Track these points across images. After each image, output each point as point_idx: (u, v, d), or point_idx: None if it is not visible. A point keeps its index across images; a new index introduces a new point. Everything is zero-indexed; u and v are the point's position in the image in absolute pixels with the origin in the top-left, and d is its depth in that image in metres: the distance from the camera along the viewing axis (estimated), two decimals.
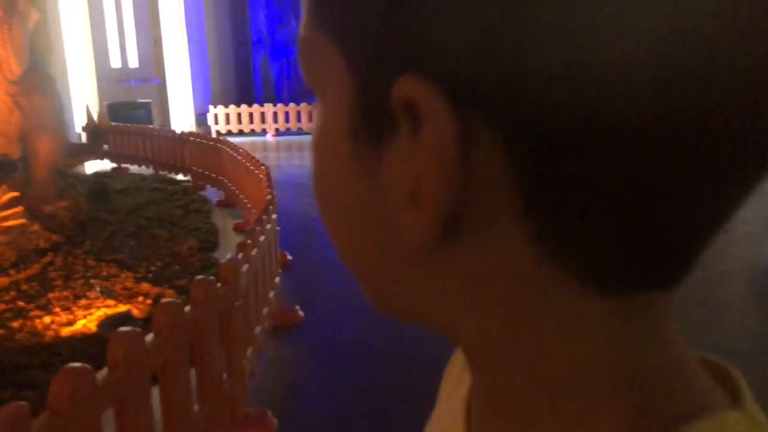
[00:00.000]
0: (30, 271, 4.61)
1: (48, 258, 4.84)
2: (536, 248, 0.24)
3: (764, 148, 0.22)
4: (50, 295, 4.17)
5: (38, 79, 5.55)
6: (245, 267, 2.74)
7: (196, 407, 2.30)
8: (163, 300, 2.28)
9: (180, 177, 8.08)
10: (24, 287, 4.33)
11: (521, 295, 0.25)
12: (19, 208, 4.71)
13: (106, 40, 11.48)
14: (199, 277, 2.40)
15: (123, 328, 1.95)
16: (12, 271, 4.56)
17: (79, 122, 9.34)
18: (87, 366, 1.70)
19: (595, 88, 0.20)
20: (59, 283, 4.41)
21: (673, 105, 0.20)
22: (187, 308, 2.22)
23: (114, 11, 11.67)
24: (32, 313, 3.88)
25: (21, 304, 4.03)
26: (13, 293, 4.21)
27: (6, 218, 4.61)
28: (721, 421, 0.24)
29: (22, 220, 4.74)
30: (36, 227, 5.10)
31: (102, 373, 1.81)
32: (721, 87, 0.21)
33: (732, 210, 0.24)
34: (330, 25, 0.25)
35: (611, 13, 0.20)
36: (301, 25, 0.27)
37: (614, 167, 0.22)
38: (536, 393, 0.27)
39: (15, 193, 4.74)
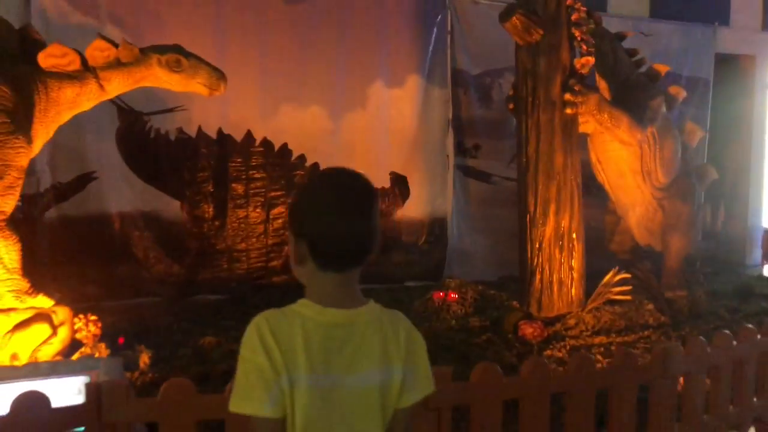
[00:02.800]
0: (626, 338, 5.72)
1: (646, 333, 5.85)
2: (315, 264, 1.50)
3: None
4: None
5: (682, 187, 6.64)
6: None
7: None
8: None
9: None
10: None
11: (312, 276, 1.53)
12: (628, 287, 5.93)
13: None
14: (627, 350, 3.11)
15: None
16: (613, 335, 5.77)
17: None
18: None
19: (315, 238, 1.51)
20: None
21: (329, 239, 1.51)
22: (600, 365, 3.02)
23: None
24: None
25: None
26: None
27: (615, 293, 5.91)
28: (306, 301, 1.54)
29: (628, 297, 5.93)
30: (649, 306, 6.18)
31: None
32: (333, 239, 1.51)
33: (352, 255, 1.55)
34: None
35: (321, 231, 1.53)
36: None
37: (320, 250, 1.50)
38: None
39: (626, 275, 5.98)
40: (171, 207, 7.23)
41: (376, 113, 8.14)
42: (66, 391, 3.30)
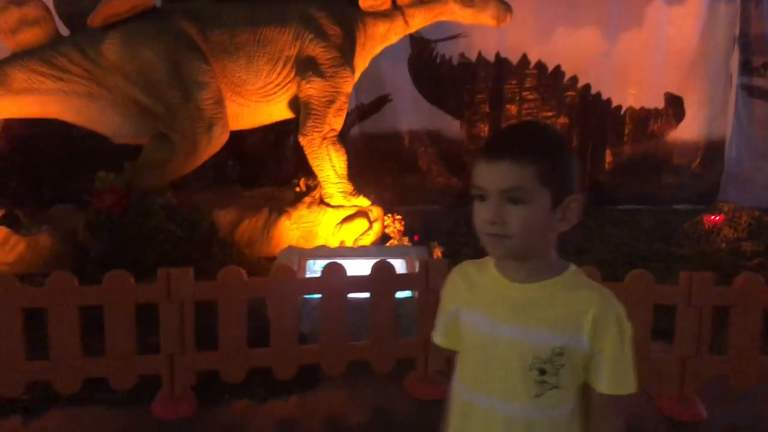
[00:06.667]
0: None
1: None
2: (555, 216, 1.54)
3: None
4: None
5: None
6: None
7: None
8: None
9: None
10: None
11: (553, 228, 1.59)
12: None
13: None
14: None
15: None
16: None
17: None
18: None
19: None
20: None
21: None
22: None
23: None
24: None
25: None
26: None
27: None
28: (574, 267, 1.64)
29: None
30: None
31: None
32: None
33: None
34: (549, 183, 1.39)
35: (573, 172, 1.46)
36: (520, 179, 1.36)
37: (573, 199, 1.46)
38: (536, 252, 1.57)
39: None
40: (452, 126, 8.07)
41: (653, 32, 8.01)
42: None
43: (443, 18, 5.59)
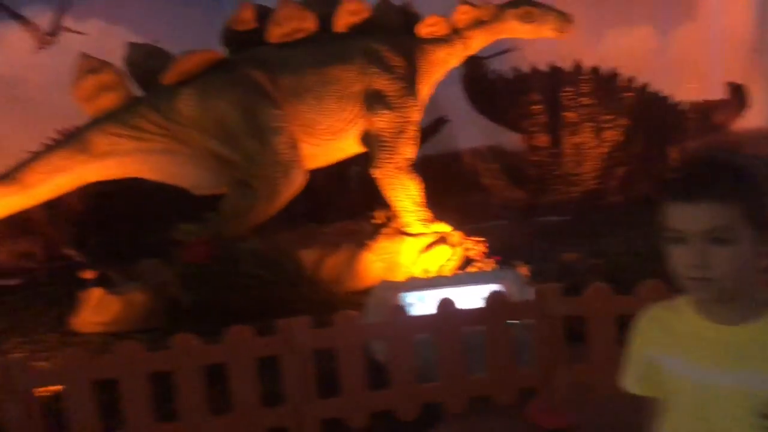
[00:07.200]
0: None
1: None
2: (762, 252, 1.44)
3: None
4: None
5: None
6: None
7: None
8: None
9: None
10: None
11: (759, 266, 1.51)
12: None
13: None
14: None
15: None
16: None
17: None
18: None
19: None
20: None
21: None
22: None
23: None
24: None
25: None
26: None
27: None
28: None
29: None
30: None
31: None
32: None
33: None
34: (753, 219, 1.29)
35: None
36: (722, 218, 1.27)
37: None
38: (744, 292, 1.46)
39: None
40: (511, 139, 8.04)
41: (707, 23, 7.88)
42: (473, 296, 4.22)
43: (503, 36, 5.58)
